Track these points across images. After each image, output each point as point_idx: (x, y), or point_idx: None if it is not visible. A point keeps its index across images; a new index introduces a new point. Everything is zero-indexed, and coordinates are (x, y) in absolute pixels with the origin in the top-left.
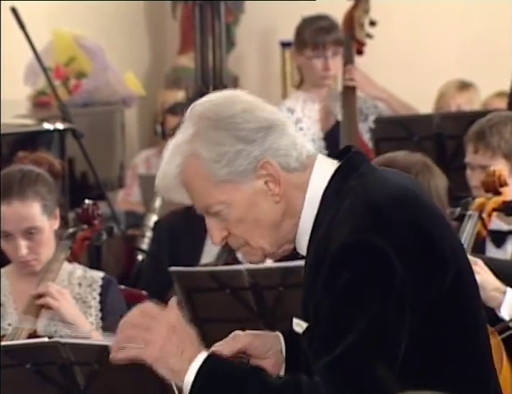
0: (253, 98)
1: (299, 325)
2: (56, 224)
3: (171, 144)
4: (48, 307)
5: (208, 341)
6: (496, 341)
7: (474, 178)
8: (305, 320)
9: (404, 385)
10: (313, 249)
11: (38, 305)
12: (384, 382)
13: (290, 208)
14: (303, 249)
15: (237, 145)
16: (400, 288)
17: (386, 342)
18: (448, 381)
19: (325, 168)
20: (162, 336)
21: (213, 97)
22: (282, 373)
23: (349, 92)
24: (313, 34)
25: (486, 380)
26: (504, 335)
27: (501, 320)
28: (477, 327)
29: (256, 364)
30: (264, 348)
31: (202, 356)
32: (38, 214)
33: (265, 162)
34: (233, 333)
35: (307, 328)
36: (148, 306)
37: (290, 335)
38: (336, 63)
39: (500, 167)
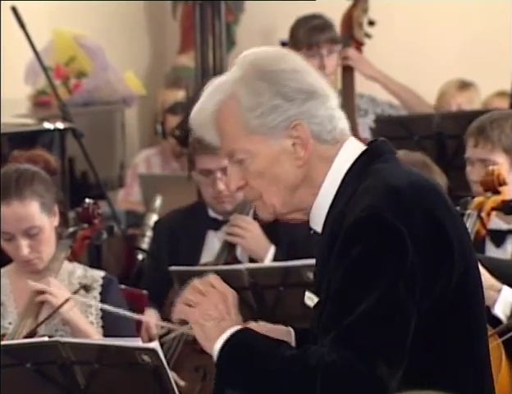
0: (305, 63)
1: (311, 299)
2: (55, 221)
3: (216, 81)
4: (47, 303)
5: None
6: (495, 343)
7: (474, 173)
8: (317, 295)
9: (402, 382)
10: (329, 226)
11: (37, 304)
12: (390, 356)
13: (311, 178)
14: (317, 224)
15: (275, 100)
16: (411, 270)
17: (395, 318)
18: (446, 380)
19: (353, 149)
20: (211, 302)
21: (268, 49)
22: None
23: (346, 73)
24: (307, 34)
25: (482, 382)
26: (504, 337)
27: (495, 318)
28: (478, 329)
29: None
30: None
31: (234, 328)
32: (37, 213)
33: (298, 123)
34: (248, 324)
35: (318, 303)
36: (214, 277)
37: (301, 332)
38: (331, 62)
39: (499, 160)
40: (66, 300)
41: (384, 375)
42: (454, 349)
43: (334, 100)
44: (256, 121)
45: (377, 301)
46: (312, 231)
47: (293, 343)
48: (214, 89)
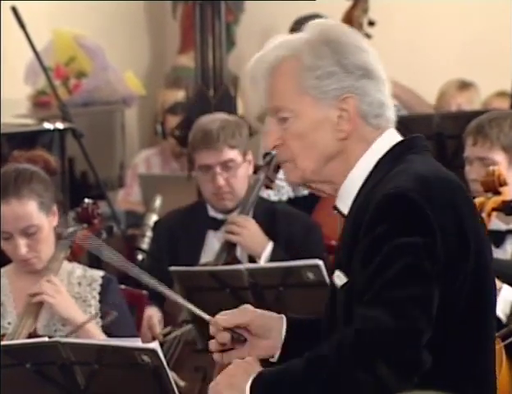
0: (369, 46)
1: (340, 278)
2: (54, 221)
3: (281, 38)
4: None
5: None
6: (498, 347)
7: (473, 172)
8: (346, 275)
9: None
10: (356, 208)
11: (37, 304)
12: (415, 324)
13: (346, 154)
14: (344, 204)
15: (334, 67)
16: (436, 256)
17: (419, 284)
18: (446, 380)
19: (391, 138)
20: (237, 365)
21: (339, 23)
22: (277, 356)
23: None
24: None
25: (482, 382)
26: (507, 341)
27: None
28: (486, 330)
29: (255, 342)
30: (266, 328)
31: (255, 373)
32: (36, 212)
33: (349, 97)
34: (243, 306)
35: (345, 283)
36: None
37: (294, 320)
38: None
39: (498, 159)
40: (89, 320)
41: (413, 331)
42: (458, 349)
43: (388, 88)
44: (312, 81)
45: (402, 269)
46: (336, 212)
47: (283, 330)
48: (278, 45)
